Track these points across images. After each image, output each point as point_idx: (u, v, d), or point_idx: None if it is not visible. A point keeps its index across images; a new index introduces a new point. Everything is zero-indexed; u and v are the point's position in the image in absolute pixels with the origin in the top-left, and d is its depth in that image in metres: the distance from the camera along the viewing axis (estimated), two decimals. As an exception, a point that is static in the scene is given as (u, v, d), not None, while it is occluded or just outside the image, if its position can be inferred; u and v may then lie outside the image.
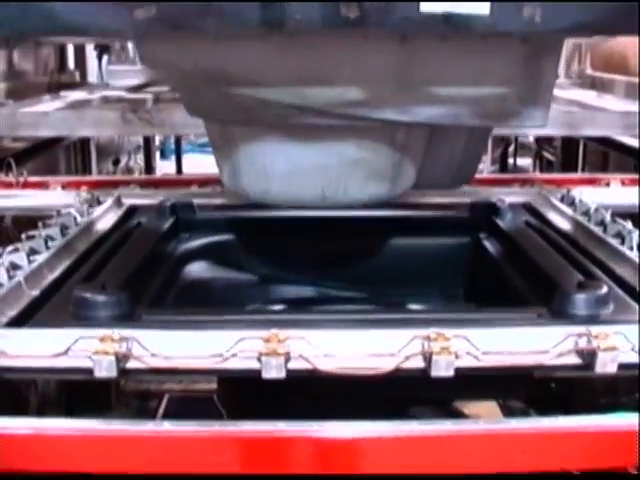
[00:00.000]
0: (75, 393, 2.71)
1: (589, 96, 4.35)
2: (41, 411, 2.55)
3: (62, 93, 4.49)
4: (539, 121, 2.08)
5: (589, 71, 5.48)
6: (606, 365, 1.68)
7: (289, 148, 2.16)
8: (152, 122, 3.15)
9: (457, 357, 1.65)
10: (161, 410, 3.47)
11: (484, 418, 2.29)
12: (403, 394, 2.17)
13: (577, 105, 3.84)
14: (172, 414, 3.36)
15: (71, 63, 5.80)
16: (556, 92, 4.24)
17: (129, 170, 6.96)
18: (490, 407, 2.74)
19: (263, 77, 1.98)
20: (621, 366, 1.69)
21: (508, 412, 2.74)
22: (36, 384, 2.57)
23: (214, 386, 2.66)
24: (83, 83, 5.69)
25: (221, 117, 2.21)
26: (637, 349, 1.70)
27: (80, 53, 5.92)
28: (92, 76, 6.09)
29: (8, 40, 4.42)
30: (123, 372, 1.67)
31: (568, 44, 5.71)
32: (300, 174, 2.20)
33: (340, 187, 2.21)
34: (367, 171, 2.22)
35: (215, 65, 1.97)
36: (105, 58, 6.20)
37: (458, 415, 2.48)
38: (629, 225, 2.48)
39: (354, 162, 2.18)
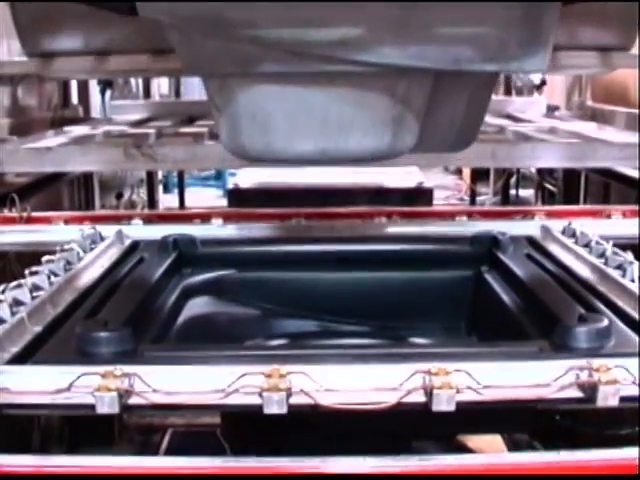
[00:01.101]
0: (78, 427, 2.71)
1: (589, 128, 4.36)
2: (44, 445, 2.55)
3: (65, 128, 4.51)
4: (539, 65, 2.06)
5: (590, 103, 5.50)
6: (607, 398, 1.68)
7: (290, 100, 2.13)
8: (155, 157, 3.17)
9: (458, 391, 1.65)
10: (164, 445, 3.46)
11: (487, 452, 2.29)
12: (406, 428, 2.17)
13: (578, 137, 3.86)
14: (175, 449, 3.36)
15: (74, 98, 5.82)
16: (557, 124, 4.27)
17: (132, 204, 6.99)
18: (494, 440, 2.74)
19: (263, 19, 1.96)
20: (623, 399, 1.69)
21: (512, 445, 2.73)
22: (39, 419, 2.58)
23: (217, 420, 2.66)
24: (86, 118, 5.72)
25: (221, 70, 2.18)
26: (638, 382, 1.70)
27: (83, 88, 5.96)
28: (95, 111, 6.12)
29: (13, 77, 4.46)
30: (125, 408, 1.68)
31: (569, 76, 5.75)
32: (300, 127, 2.17)
33: (340, 141, 2.17)
34: (367, 124, 2.18)
35: (214, 8, 1.97)
36: (108, 93, 6.25)
37: (462, 449, 2.48)
38: (630, 257, 2.49)
39: (354, 115, 2.15)
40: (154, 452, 3.40)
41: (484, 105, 2.43)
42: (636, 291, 2.25)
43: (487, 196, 9.32)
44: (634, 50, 3.82)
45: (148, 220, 3.27)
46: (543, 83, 7.09)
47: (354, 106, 2.13)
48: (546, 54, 2.04)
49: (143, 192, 7.13)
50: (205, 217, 3.28)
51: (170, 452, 3.40)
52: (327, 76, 2.08)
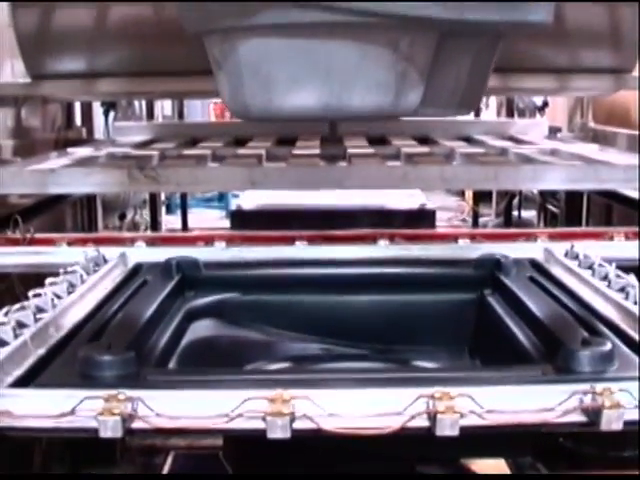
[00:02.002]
0: (80, 449, 2.71)
1: (591, 149, 4.37)
2: (45, 467, 2.55)
3: (69, 150, 4.52)
4: (543, 16, 2.04)
5: (591, 124, 5.50)
6: (611, 422, 1.68)
7: (291, 55, 2.12)
8: (158, 179, 3.17)
9: (462, 416, 1.65)
10: (166, 467, 3.45)
11: (490, 475, 2.28)
12: (410, 452, 2.16)
13: (580, 159, 3.86)
14: (177, 471, 3.35)
15: (78, 120, 5.83)
16: (559, 146, 4.28)
17: (135, 225, 6.99)
18: (497, 463, 2.73)
19: None
20: (627, 423, 1.69)
21: (515, 466, 2.73)
22: (41, 440, 2.57)
23: (220, 442, 2.66)
24: (90, 139, 5.73)
25: (221, 25, 2.17)
26: None
27: (87, 110, 5.97)
28: (99, 132, 6.13)
29: (16, 98, 4.47)
30: (128, 432, 1.68)
31: (570, 98, 5.77)
32: (302, 82, 2.16)
33: (343, 96, 2.17)
34: (370, 80, 2.17)
35: None
36: (111, 114, 6.26)
37: (466, 472, 2.48)
38: (633, 279, 2.49)
39: (357, 70, 2.14)
40: (157, 474, 3.39)
41: (487, 69, 2.41)
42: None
43: (489, 217, 9.32)
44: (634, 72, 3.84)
45: (151, 242, 3.28)
46: (545, 105, 7.10)
47: (357, 63, 2.12)
48: (550, 4, 2.03)
49: (146, 213, 7.14)
50: (208, 240, 3.29)
51: (172, 474, 3.40)
52: (329, 29, 2.07)
